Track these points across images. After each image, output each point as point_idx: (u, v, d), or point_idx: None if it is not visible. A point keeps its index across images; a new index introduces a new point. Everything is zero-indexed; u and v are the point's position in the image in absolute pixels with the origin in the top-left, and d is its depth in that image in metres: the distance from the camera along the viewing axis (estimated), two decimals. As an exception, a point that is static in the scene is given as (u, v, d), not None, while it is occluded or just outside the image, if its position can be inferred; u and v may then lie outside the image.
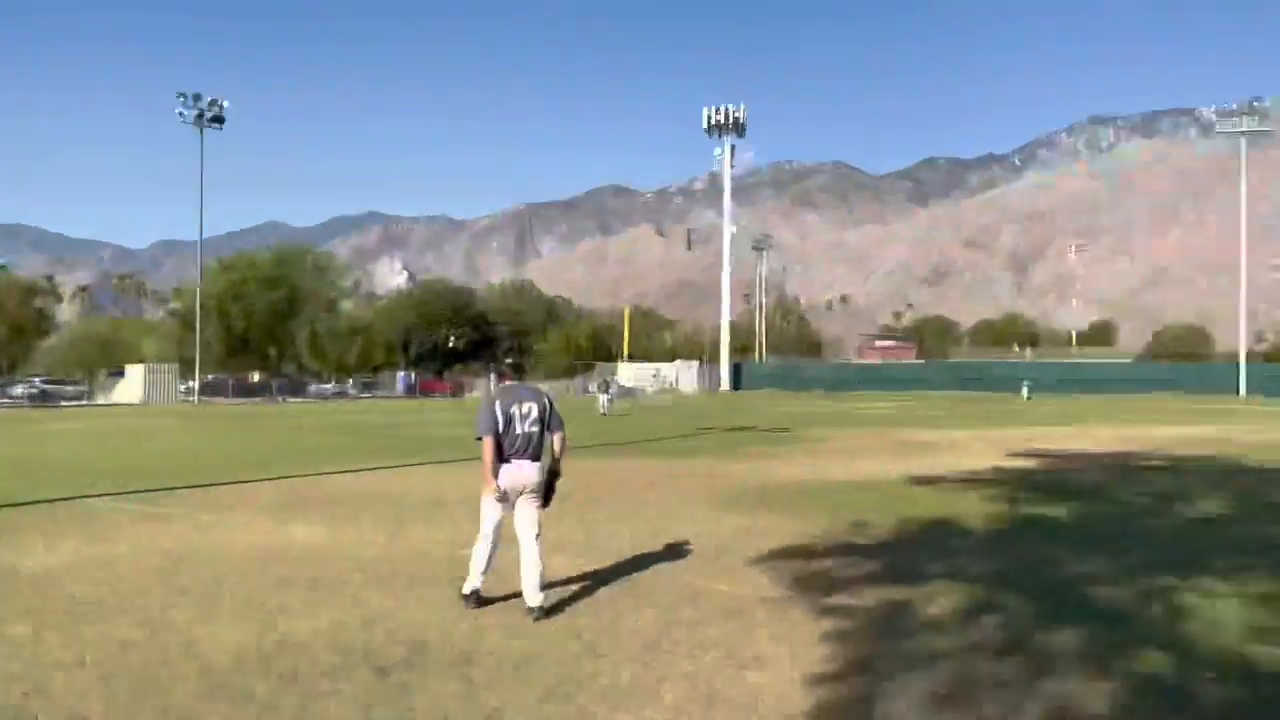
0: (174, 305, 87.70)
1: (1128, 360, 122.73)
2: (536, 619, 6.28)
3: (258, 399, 68.17)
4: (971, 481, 14.40)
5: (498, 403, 6.48)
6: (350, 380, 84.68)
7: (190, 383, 64.27)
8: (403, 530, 9.92)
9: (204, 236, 65.38)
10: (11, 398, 59.60)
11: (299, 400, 67.03)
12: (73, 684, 4.97)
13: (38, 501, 12.11)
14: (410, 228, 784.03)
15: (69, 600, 6.75)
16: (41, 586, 7.16)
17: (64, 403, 58.79)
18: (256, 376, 76.77)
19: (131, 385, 63.08)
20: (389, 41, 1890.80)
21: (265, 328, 79.30)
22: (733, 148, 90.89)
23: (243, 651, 5.56)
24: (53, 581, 7.32)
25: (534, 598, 6.39)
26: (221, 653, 5.52)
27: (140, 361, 68.74)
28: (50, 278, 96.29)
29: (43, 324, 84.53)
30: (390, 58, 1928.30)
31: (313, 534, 9.61)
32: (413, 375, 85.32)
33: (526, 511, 6.52)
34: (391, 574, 7.73)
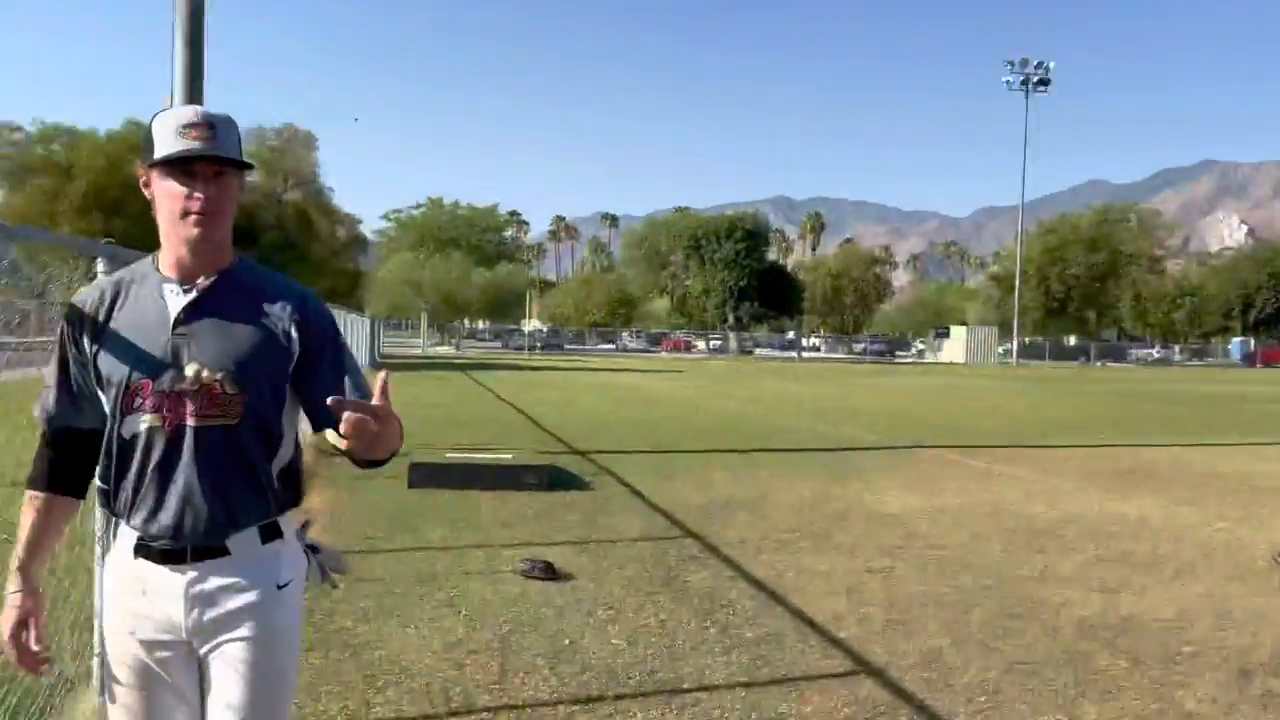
0: (994, 269, 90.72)
1: None
2: None
3: (1076, 362, 66.88)
4: None
5: None
6: (1177, 346, 77.53)
7: (1009, 345, 65.97)
8: (1255, 516, 8.54)
9: (1024, 200, 66.07)
10: (854, 353, 69.46)
11: (1119, 365, 63.79)
12: (924, 620, 5.28)
13: (883, 448, 13.53)
14: (1250, 175, 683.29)
15: (921, 543, 7.28)
16: (896, 527, 7.87)
17: (897, 359, 65.82)
18: (1073, 340, 75.34)
19: (954, 346, 67.46)
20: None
21: (1084, 291, 77.02)
22: None
23: (1086, 621, 5.29)
24: (905, 523, 7.99)
25: None
26: (1064, 618, 5.33)
27: (962, 324, 73.02)
28: (887, 248, 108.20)
29: (880, 289, 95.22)
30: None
31: (1143, 508, 8.85)
32: (1251, 342, 74.48)
33: None
34: (1248, 564, 6.66)
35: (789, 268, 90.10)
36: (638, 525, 7.49)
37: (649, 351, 72.85)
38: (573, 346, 73.99)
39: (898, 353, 76.32)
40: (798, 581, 5.94)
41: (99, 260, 3.43)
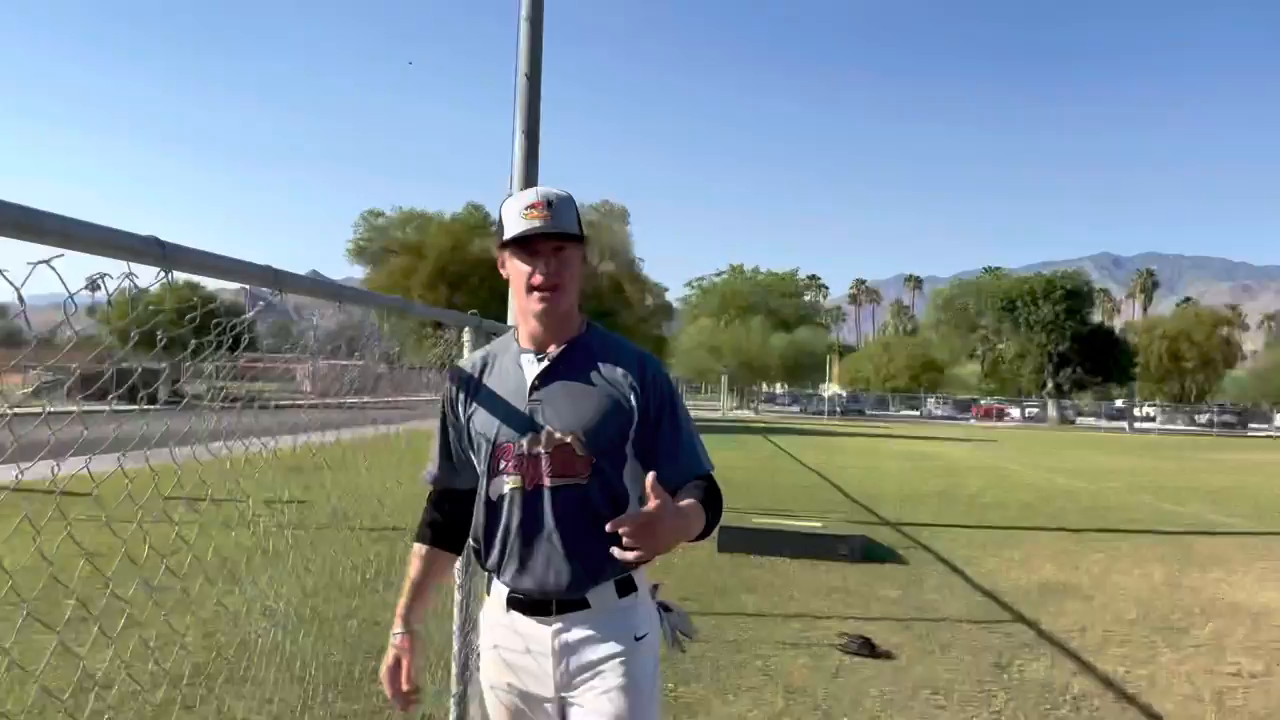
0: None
1: None
2: None
3: None
4: None
5: None
6: None
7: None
8: None
9: None
10: (1197, 424, 61.45)
11: None
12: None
13: (1243, 533, 11.86)
14: None
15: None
16: (1268, 624, 6.81)
17: (1250, 432, 57.70)
18: None
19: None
20: None
21: None
22: None
23: None
24: (1274, 620, 6.91)
25: None
26: None
27: (1335, 392, 62.88)
28: (1234, 307, 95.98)
29: (1229, 354, 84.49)
30: None
31: None
32: None
33: None
34: None
35: (1117, 330, 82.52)
36: (960, 605, 7.03)
37: (956, 418, 69.29)
38: (874, 412, 72.02)
39: (1251, 425, 67.11)
40: (1153, 681, 5.28)
41: (465, 329, 3.79)
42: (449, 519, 2.13)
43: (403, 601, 2.10)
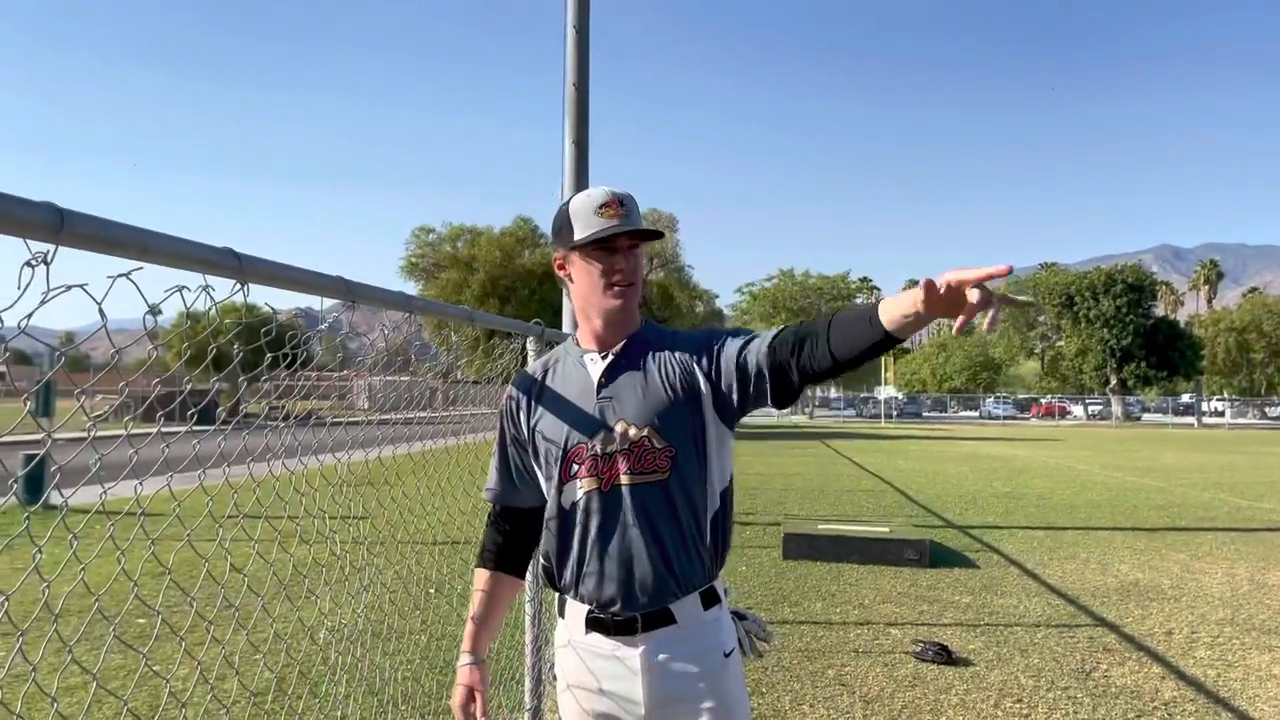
0: None
1: None
2: None
3: None
4: None
5: None
6: None
7: None
8: None
9: None
10: (1269, 418, 59.57)
11: None
12: None
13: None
14: None
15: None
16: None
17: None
18: None
19: (1407, 408, 56.09)
20: None
21: None
22: None
23: None
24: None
25: None
26: None
27: None
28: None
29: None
30: None
31: None
32: None
33: None
34: None
35: (1181, 323, 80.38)
36: (1036, 608, 6.83)
37: (1017, 418, 67.98)
38: (931, 414, 70.97)
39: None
40: (1245, 685, 5.06)
41: (529, 338, 3.76)
42: (511, 540, 2.05)
43: (469, 630, 2.02)
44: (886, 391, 68.54)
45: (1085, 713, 4.59)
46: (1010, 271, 1.45)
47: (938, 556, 8.57)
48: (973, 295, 1.45)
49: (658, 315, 41.19)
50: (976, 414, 71.18)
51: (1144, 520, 11.94)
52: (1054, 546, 9.60)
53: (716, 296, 57.04)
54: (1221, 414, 69.63)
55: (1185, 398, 73.72)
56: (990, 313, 1.45)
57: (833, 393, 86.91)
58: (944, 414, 71.95)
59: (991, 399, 75.31)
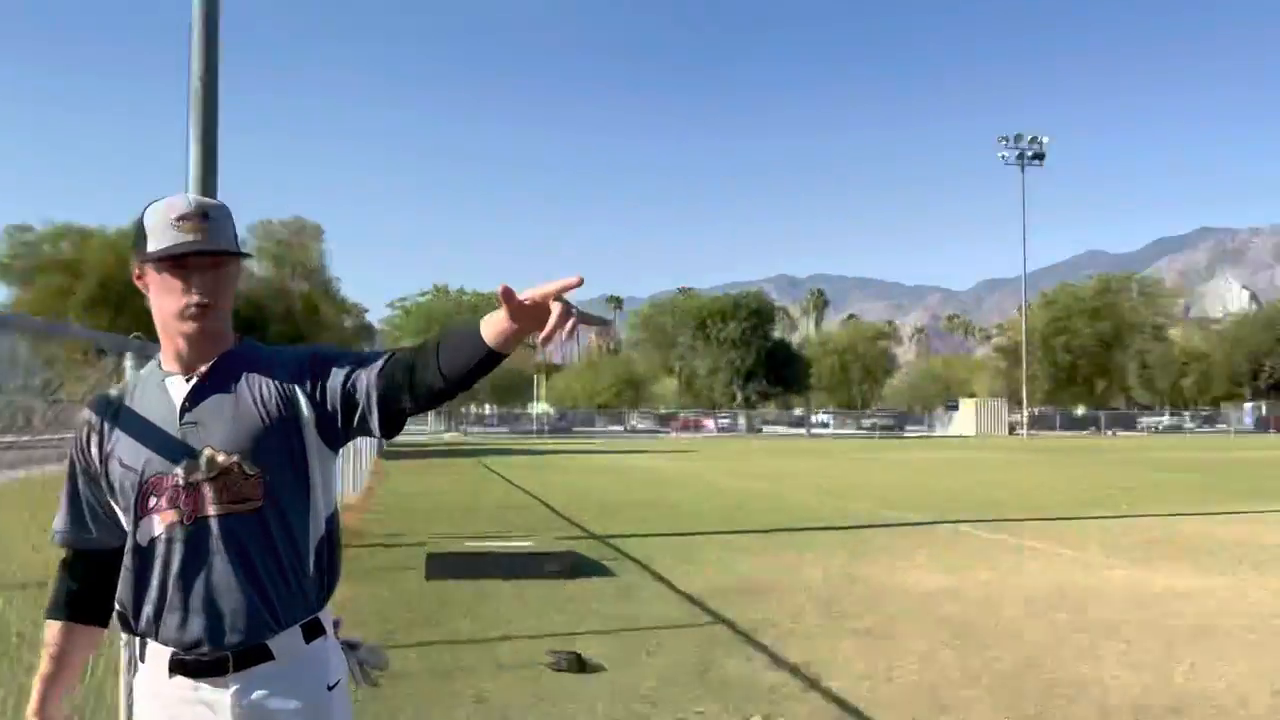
0: (998, 341, 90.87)
1: None
2: None
3: (1086, 432, 66.50)
4: None
5: None
6: (1187, 413, 77.28)
7: (1018, 415, 65.68)
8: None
9: (1025, 272, 66.58)
10: (864, 428, 68.87)
11: (1129, 434, 63.41)
12: (973, 703, 5.08)
13: (903, 524, 13.31)
14: (1247, 240, 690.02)
15: (957, 622, 7.07)
16: (929, 606, 7.66)
17: (906, 433, 65.31)
18: (1082, 409, 75.05)
19: (964, 418, 67.05)
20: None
21: (1091, 360, 77.02)
22: None
23: (1138, 700, 5.08)
24: (938, 602, 7.78)
25: None
26: (1116, 697, 5.12)
27: (971, 396, 72.77)
28: (890, 322, 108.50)
29: (886, 364, 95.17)
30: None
31: (1176, 581, 8.63)
32: (1263, 408, 74.10)
33: None
34: (1306, 640, 6.45)
35: (794, 345, 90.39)
36: (665, 611, 7.29)
37: (658, 432, 72.51)
38: (581, 429, 73.72)
39: (907, 427, 75.93)
40: (834, 667, 5.74)
41: (127, 355, 3.38)
42: (87, 587, 1.80)
43: (38, 691, 1.77)
44: (539, 408, 70.28)
45: (702, 706, 4.96)
46: (581, 283, 1.54)
47: (579, 567, 8.87)
48: (555, 308, 1.52)
49: (302, 329, 39.07)
50: (622, 428, 75.01)
51: (760, 523, 13.21)
52: (684, 551, 10.31)
53: (367, 311, 55.35)
54: (827, 425, 79.13)
55: (797, 411, 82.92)
56: (569, 325, 1.52)
57: (487, 409, 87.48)
58: (593, 428, 75.05)
59: (635, 414, 79.88)
